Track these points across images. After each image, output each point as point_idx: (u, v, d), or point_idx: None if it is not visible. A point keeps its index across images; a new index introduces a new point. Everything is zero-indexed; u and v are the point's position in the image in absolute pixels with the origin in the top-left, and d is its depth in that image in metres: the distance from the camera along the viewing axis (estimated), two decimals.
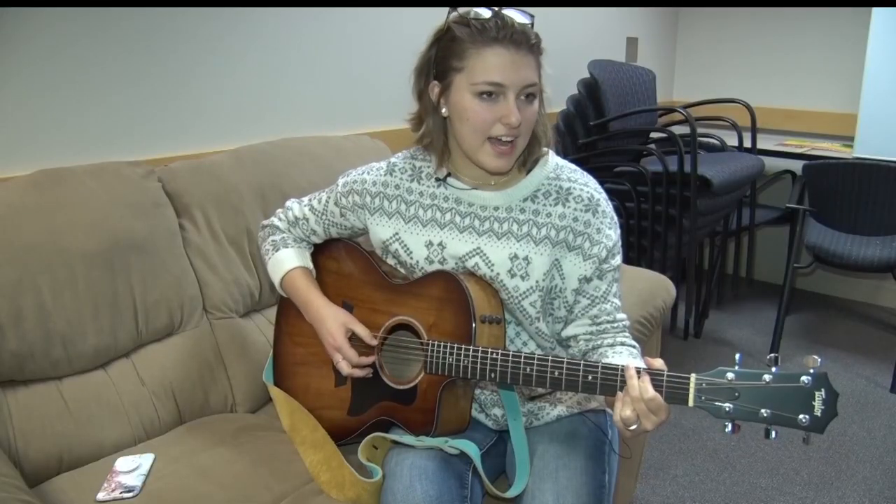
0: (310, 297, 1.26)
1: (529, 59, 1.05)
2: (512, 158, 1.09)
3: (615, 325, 1.16)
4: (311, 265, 1.32)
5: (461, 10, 1.07)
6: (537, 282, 1.13)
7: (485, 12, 1.04)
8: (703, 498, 1.98)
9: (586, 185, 1.16)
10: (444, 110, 1.11)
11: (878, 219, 2.50)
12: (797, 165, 2.77)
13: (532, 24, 1.06)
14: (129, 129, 1.61)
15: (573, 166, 1.20)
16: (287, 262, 1.29)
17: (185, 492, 1.16)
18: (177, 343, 1.45)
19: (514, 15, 1.04)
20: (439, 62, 1.08)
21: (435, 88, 1.10)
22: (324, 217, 1.28)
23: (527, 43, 1.04)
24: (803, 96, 3.30)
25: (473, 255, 1.15)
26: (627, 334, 1.17)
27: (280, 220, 1.34)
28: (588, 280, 1.14)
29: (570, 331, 1.17)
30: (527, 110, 1.07)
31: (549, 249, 1.13)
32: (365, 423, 1.23)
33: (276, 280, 1.31)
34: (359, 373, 1.20)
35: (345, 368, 1.20)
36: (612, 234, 1.14)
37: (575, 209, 1.13)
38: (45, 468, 1.24)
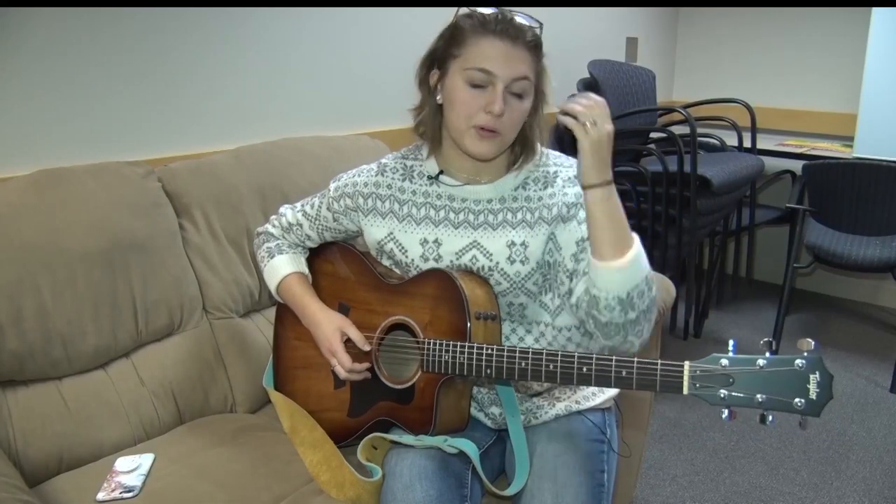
0: (305, 301, 1.27)
1: (524, 55, 1.07)
2: (495, 146, 1.10)
3: None
4: (306, 270, 1.32)
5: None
6: (537, 262, 1.14)
7: (489, 9, 1.07)
8: (703, 498, 1.98)
9: (571, 166, 1.18)
10: (438, 97, 1.13)
11: (878, 219, 2.50)
12: (797, 165, 2.77)
13: (540, 31, 1.09)
14: (129, 129, 1.61)
15: (557, 152, 1.21)
16: (282, 268, 1.30)
17: (185, 492, 1.16)
18: (177, 343, 1.45)
19: (521, 19, 1.07)
20: (441, 52, 1.12)
21: (434, 76, 1.13)
22: (317, 222, 1.29)
23: (522, 38, 1.06)
24: (803, 96, 3.30)
25: (470, 249, 1.16)
26: None
27: (274, 226, 1.35)
28: (585, 239, 1.11)
29: (577, 292, 1.12)
30: (515, 105, 1.08)
31: (544, 228, 1.14)
32: (365, 424, 1.23)
33: (272, 287, 1.32)
34: (355, 377, 1.21)
35: (341, 373, 1.20)
36: None
37: (563, 186, 1.15)
38: (45, 468, 1.24)
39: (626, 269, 0.99)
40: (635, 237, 1.03)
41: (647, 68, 3.03)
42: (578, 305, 1.09)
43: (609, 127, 0.98)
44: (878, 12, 2.69)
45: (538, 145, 1.17)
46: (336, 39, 2.00)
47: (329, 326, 1.22)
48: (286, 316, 1.34)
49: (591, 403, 1.25)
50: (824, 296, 3.43)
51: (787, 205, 2.85)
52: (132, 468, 1.22)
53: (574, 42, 2.89)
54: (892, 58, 2.67)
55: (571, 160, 1.19)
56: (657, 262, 2.61)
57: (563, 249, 1.13)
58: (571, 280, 1.12)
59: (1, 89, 1.40)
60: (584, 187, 1.00)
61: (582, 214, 1.11)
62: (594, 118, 0.97)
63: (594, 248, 1.01)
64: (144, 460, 1.24)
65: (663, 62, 3.57)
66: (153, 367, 1.41)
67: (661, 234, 2.59)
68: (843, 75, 3.13)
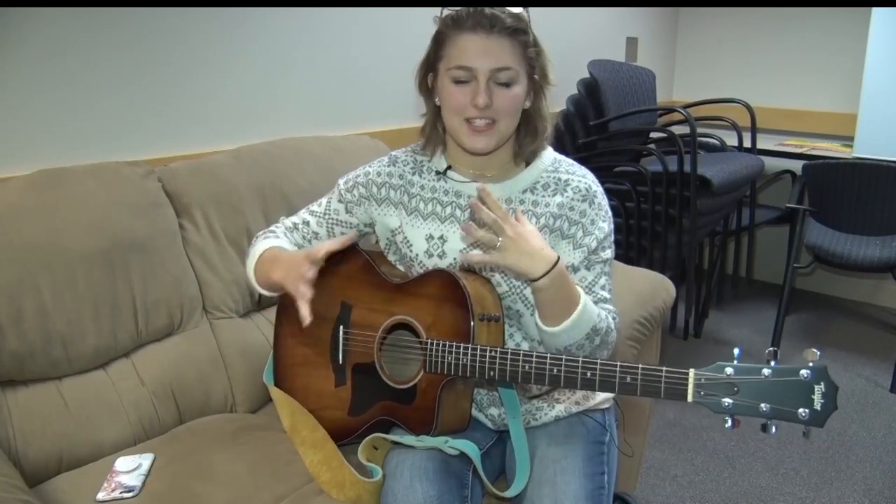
0: (277, 257, 1.15)
1: (502, 43, 1.07)
2: (490, 139, 1.12)
3: None
4: (287, 246, 1.23)
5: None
6: None
7: (463, 8, 1.09)
8: (703, 498, 1.98)
9: (584, 177, 1.19)
10: (437, 99, 1.16)
11: (878, 219, 2.50)
12: (797, 165, 2.77)
13: (526, 17, 1.09)
14: (129, 129, 1.61)
15: (571, 160, 1.23)
16: (259, 248, 1.21)
17: (185, 492, 1.16)
18: (177, 343, 1.45)
19: (496, 11, 1.07)
20: (432, 56, 1.15)
21: (430, 80, 1.16)
22: (326, 217, 1.28)
23: (499, 26, 1.06)
24: (803, 96, 3.30)
25: (475, 247, 1.16)
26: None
27: (276, 226, 1.31)
28: (575, 269, 1.15)
29: None
30: (502, 94, 1.09)
31: (546, 237, 1.15)
32: (365, 423, 1.23)
33: (250, 271, 1.22)
34: (306, 293, 1.06)
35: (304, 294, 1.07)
36: (604, 226, 1.17)
37: (572, 198, 1.16)
38: (44, 468, 1.24)
39: (563, 332, 1.06)
40: (581, 298, 1.06)
41: (647, 68, 3.03)
42: None
43: (512, 230, 1.00)
44: (878, 12, 2.69)
45: (541, 133, 1.17)
46: (336, 39, 2.00)
47: (297, 256, 1.11)
48: (288, 312, 1.34)
49: (591, 403, 1.25)
50: (824, 296, 3.43)
51: (787, 205, 2.85)
52: (132, 468, 1.22)
53: (574, 42, 2.89)
54: (892, 58, 2.68)
55: (584, 170, 1.21)
56: (657, 263, 2.61)
57: None
58: None
59: (1, 89, 1.40)
60: (531, 282, 1.02)
61: (584, 240, 1.15)
62: (491, 241, 1.00)
63: (540, 312, 1.06)
64: (144, 460, 1.24)
65: (663, 62, 3.57)
66: (153, 367, 1.40)
67: (661, 234, 2.59)
68: (843, 75, 3.13)
